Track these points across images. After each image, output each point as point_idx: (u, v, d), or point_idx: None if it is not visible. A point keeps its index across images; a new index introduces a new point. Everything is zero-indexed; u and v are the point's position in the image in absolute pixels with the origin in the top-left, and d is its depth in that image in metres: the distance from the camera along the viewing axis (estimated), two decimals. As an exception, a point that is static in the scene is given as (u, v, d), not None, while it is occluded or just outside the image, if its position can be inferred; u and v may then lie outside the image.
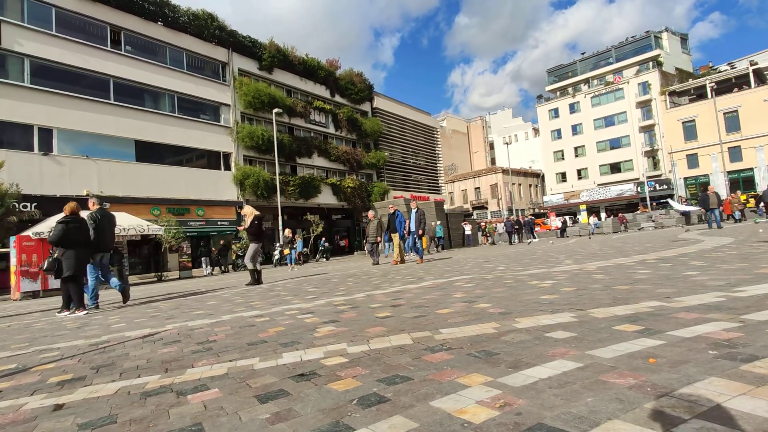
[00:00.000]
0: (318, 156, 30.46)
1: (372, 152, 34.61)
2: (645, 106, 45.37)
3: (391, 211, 11.41)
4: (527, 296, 3.58)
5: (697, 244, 8.17)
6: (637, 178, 44.42)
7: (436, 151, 43.51)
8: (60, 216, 6.15)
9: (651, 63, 46.06)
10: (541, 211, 51.60)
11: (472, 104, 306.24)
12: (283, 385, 1.78)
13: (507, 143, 46.04)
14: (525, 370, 1.65)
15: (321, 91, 32.00)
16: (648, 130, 45.11)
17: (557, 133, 52.49)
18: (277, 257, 21.77)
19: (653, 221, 31.24)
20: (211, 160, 24.66)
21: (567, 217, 36.66)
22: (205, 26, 24.49)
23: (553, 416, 1.23)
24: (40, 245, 13.17)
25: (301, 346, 2.51)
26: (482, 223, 34.56)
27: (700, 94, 42.66)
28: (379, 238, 12.35)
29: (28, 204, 16.46)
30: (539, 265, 6.77)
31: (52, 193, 17.46)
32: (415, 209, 11.46)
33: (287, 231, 17.58)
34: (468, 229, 26.75)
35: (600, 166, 48.77)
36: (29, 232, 13.33)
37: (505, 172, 50.67)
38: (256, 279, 8.43)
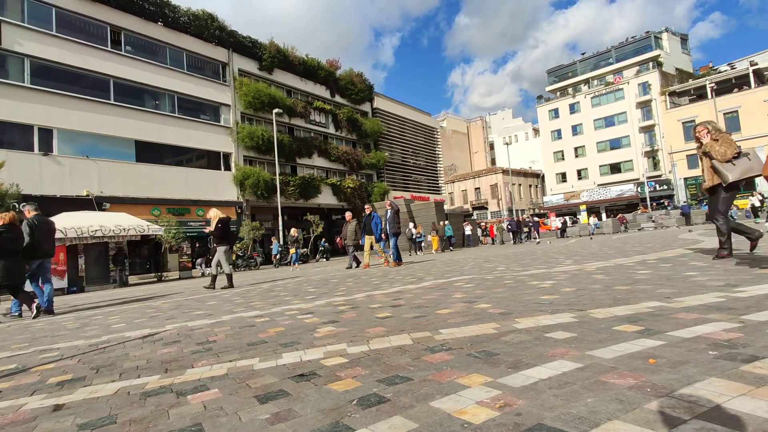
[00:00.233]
0: (318, 156, 30.45)
1: (372, 152, 34.60)
2: (645, 106, 45.39)
3: (367, 212, 10.89)
4: (527, 296, 3.57)
5: (697, 243, 8.17)
6: (637, 179, 44.44)
7: (436, 152, 43.50)
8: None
9: (651, 63, 46.10)
10: (541, 211, 51.60)
11: (472, 104, 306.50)
12: (283, 386, 1.77)
13: (507, 143, 46.07)
14: (525, 371, 1.65)
15: (321, 91, 31.98)
16: (648, 130, 45.14)
17: (557, 134, 52.53)
18: (277, 256, 21.74)
19: (653, 222, 31.29)
20: (211, 160, 24.65)
21: (567, 218, 36.68)
22: (205, 26, 24.49)
23: (553, 417, 1.23)
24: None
25: (301, 346, 2.51)
26: (482, 224, 34.54)
27: (700, 95, 42.69)
28: (359, 240, 11.78)
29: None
30: (539, 265, 6.77)
31: (52, 193, 17.43)
32: (389, 208, 10.99)
33: (293, 230, 17.57)
34: (468, 229, 26.82)
35: (600, 166, 48.80)
36: None
37: (505, 172, 50.65)
38: (230, 283, 8.32)
